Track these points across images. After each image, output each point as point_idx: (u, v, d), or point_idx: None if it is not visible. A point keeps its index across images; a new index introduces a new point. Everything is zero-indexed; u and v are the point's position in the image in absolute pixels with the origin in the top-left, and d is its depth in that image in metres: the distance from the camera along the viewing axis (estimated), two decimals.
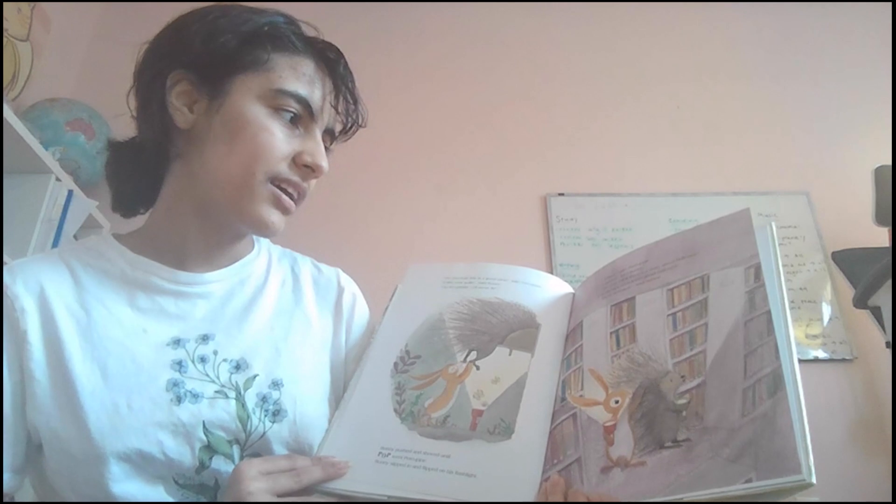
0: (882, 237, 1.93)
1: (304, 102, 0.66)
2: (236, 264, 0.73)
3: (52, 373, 0.59)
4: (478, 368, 0.63)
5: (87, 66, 2.31)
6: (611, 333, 0.60)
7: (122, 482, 0.57)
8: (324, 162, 0.67)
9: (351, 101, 0.72)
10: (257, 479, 0.52)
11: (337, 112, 0.71)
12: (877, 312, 1.65)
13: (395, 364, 0.66)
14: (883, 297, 1.55)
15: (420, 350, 0.67)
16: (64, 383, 0.59)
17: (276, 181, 0.65)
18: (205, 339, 0.65)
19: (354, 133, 0.76)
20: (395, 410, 0.61)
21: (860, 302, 1.63)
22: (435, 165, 2.28)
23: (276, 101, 0.65)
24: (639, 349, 0.56)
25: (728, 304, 0.54)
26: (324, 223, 2.04)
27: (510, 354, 0.64)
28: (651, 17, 2.57)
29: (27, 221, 1.65)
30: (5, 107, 1.52)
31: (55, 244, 1.71)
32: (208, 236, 0.70)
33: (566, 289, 0.72)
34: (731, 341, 0.51)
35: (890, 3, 2.41)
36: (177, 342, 0.64)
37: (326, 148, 0.71)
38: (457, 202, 2.22)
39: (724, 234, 0.60)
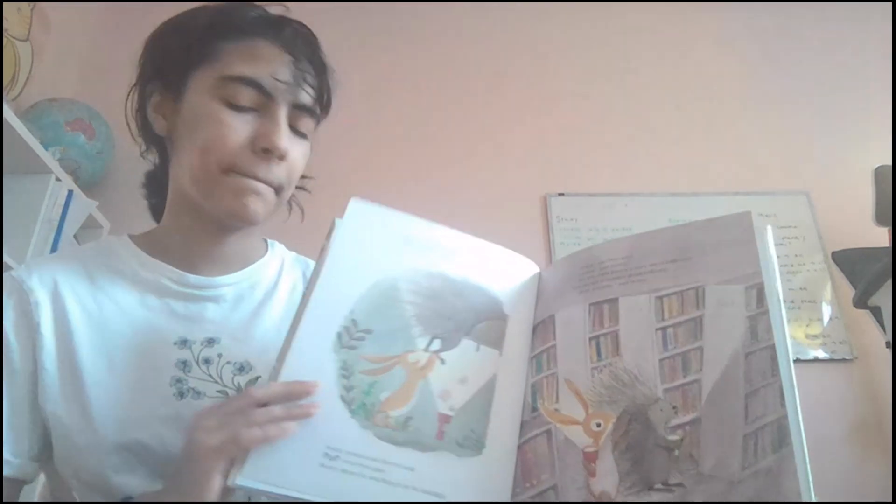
0: (882, 237, 1.93)
1: (253, 83, 0.64)
2: (248, 268, 0.73)
3: (60, 363, 0.61)
4: (443, 362, 0.54)
5: (87, 66, 2.31)
6: (590, 339, 0.53)
7: (123, 473, 0.58)
8: (280, 142, 0.63)
9: (311, 72, 0.68)
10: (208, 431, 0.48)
11: (300, 85, 0.66)
12: (877, 312, 1.65)
13: (339, 335, 0.54)
14: (883, 297, 1.54)
15: (371, 322, 0.55)
16: (71, 373, 0.61)
17: (237, 172, 0.64)
18: (210, 342, 0.66)
19: (329, 102, 0.72)
20: (343, 399, 0.50)
21: (860, 302, 1.63)
22: (435, 165, 2.28)
23: (225, 89, 0.64)
24: (623, 365, 0.50)
25: (727, 328, 0.48)
26: (324, 224, 2.03)
27: (478, 350, 0.56)
28: (651, 18, 2.57)
29: (27, 221, 1.65)
30: (5, 107, 1.52)
31: (55, 244, 1.71)
32: (206, 235, 0.70)
33: (531, 269, 0.64)
34: (730, 375, 0.46)
35: (890, 4, 2.41)
36: (183, 342, 0.65)
37: (296, 129, 0.67)
38: (457, 202, 2.22)
39: (721, 238, 0.53)
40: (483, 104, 2.40)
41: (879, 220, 1.87)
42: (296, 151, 0.67)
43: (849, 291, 1.83)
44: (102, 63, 2.27)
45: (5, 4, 1.79)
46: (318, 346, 0.53)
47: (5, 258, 1.52)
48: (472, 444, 0.50)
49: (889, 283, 1.49)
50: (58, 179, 1.74)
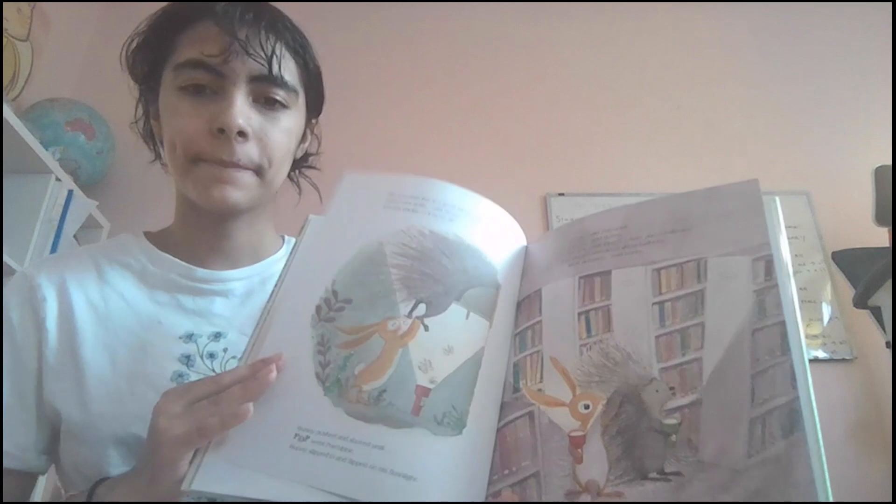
0: (882, 237, 1.93)
1: (200, 65, 0.62)
2: (259, 263, 0.73)
3: (63, 358, 0.62)
4: (426, 329, 0.48)
5: (87, 66, 2.31)
6: (579, 314, 0.48)
7: (121, 467, 0.58)
8: (231, 119, 0.60)
9: (256, 40, 0.63)
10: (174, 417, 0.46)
11: (240, 56, 0.62)
12: (877, 312, 1.65)
13: (318, 308, 0.49)
14: (883, 297, 1.54)
15: (351, 292, 0.50)
16: (74, 369, 0.61)
17: (204, 160, 0.63)
18: (217, 336, 0.66)
19: (307, 62, 0.69)
20: (318, 376, 0.46)
21: (860, 302, 1.63)
22: (435, 165, 2.28)
23: (177, 78, 0.64)
24: (615, 342, 0.45)
25: (731, 303, 0.44)
26: None
27: (467, 318, 0.50)
28: (651, 18, 2.57)
29: (27, 221, 1.65)
30: (5, 107, 1.52)
31: (55, 244, 1.71)
32: (207, 227, 0.71)
33: (520, 239, 0.59)
34: (735, 353, 0.42)
35: (890, 4, 2.41)
36: (189, 336, 0.65)
37: (268, 101, 0.65)
38: None
39: (725, 208, 0.49)
40: (483, 104, 2.40)
41: (879, 220, 1.87)
42: (270, 126, 0.64)
43: (849, 291, 1.83)
44: (102, 63, 2.27)
45: (5, 4, 1.79)
46: (294, 323, 0.49)
47: (5, 258, 1.52)
48: (453, 422, 0.45)
49: (889, 283, 1.49)
50: (58, 179, 1.74)
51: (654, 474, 0.39)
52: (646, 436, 0.41)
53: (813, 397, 0.39)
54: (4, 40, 1.81)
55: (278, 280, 0.53)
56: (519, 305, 0.53)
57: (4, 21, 1.79)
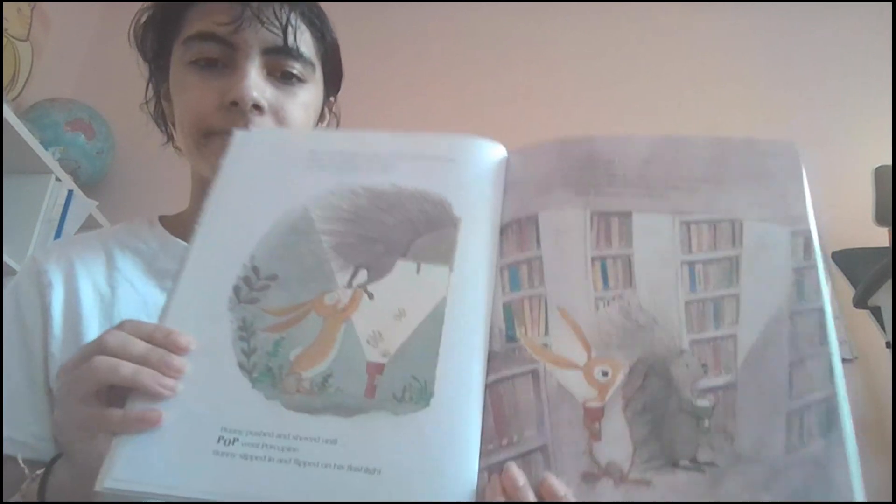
0: (882, 237, 1.93)
1: (209, 37, 0.60)
2: None
3: (66, 347, 0.61)
4: (371, 297, 0.43)
5: (87, 66, 2.31)
6: (593, 260, 0.41)
7: None
8: (244, 92, 0.58)
9: (271, 9, 0.60)
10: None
11: (252, 25, 0.60)
12: (877, 312, 1.65)
13: (237, 289, 0.43)
14: (883, 297, 1.54)
15: (276, 267, 0.44)
16: None
17: (218, 134, 0.61)
18: None
19: (322, 34, 0.67)
20: (242, 366, 0.40)
21: (860, 302, 1.63)
22: None
23: (187, 52, 0.62)
24: (638, 301, 0.39)
25: (768, 277, 0.39)
26: None
27: (418, 272, 0.44)
28: (652, 18, 2.57)
29: (27, 221, 1.65)
30: (5, 107, 1.51)
31: None
32: None
33: (495, 151, 0.50)
34: (773, 335, 0.37)
35: (890, 4, 2.41)
36: None
37: (284, 75, 0.63)
38: None
39: (763, 166, 0.42)
40: (482, 103, 2.40)
41: (879, 220, 1.87)
42: (286, 100, 0.62)
43: (849, 291, 1.83)
44: (102, 63, 2.27)
45: (5, 4, 1.79)
46: (206, 306, 0.42)
47: (5, 258, 1.52)
48: (416, 394, 0.38)
49: (889, 283, 1.49)
50: (58, 179, 1.74)
51: (685, 462, 0.34)
52: (675, 416, 0.36)
53: (846, 397, 0.36)
54: (4, 40, 1.81)
55: (183, 258, 0.46)
56: (504, 231, 0.44)
57: (4, 21, 1.79)
